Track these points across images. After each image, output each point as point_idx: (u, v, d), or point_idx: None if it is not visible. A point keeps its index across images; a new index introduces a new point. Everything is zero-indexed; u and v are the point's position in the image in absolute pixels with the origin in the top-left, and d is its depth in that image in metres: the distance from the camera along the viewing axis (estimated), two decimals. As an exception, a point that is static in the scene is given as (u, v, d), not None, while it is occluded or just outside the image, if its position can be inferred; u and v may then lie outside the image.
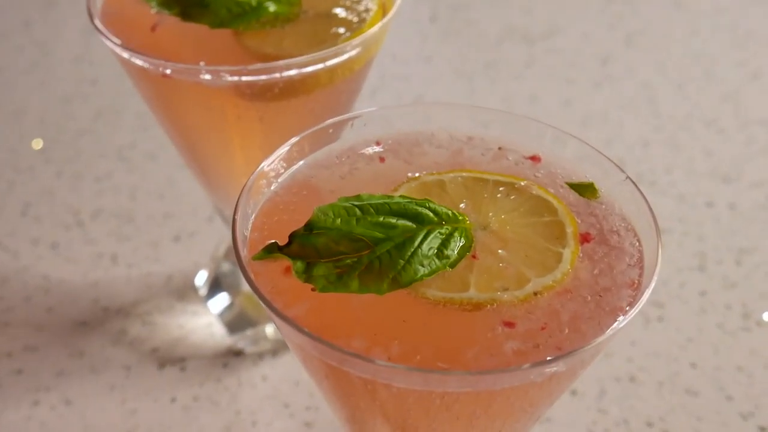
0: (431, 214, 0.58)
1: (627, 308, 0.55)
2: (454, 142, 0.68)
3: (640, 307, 0.53)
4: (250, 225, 0.61)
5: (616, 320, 0.54)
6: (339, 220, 0.57)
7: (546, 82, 1.44)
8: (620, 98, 1.40)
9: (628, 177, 0.61)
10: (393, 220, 0.58)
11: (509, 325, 0.54)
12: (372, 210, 0.58)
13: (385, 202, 0.58)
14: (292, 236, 0.57)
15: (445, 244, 0.58)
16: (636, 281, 0.57)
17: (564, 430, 0.93)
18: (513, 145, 0.67)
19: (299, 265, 0.57)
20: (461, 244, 0.58)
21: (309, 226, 0.57)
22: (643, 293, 0.55)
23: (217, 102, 0.75)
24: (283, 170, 0.64)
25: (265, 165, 0.63)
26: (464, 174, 0.64)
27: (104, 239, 1.16)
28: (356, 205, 0.58)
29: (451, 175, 0.64)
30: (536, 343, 0.53)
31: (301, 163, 0.66)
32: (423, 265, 0.56)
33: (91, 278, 1.11)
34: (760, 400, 0.96)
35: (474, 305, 0.55)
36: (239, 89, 0.74)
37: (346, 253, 0.57)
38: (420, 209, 0.58)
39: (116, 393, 0.97)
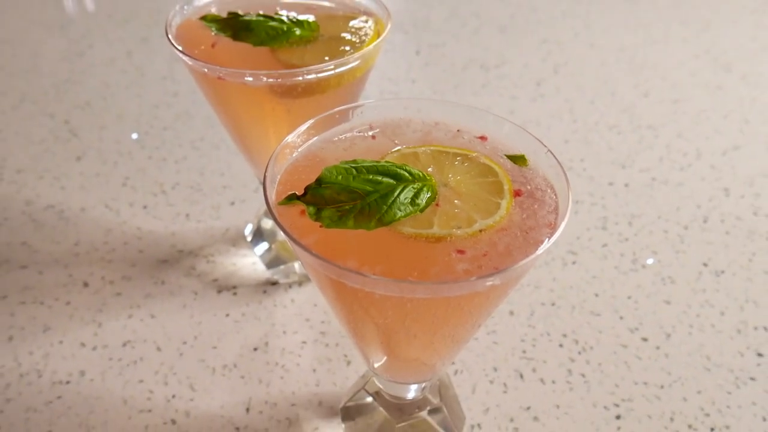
0: (407, 174, 0.57)
1: (546, 240, 0.54)
2: (426, 126, 0.66)
3: (554, 239, 0.52)
4: (276, 181, 0.59)
5: (536, 249, 0.53)
6: (340, 176, 0.56)
7: (497, 98, 1.42)
8: (549, 110, 1.38)
9: (549, 150, 0.59)
10: (379, 178, 0.56)
11: (461, 252, 0.53)
12: (364, 170, 0.56)
13: (374, 165, 0.56)
14: (307, 188, 0.56)
15: (416, 195, 0.56)
16: (553, 222, 0.55)
17: (504, 339, 0.92)
18: (467, 128, 0.65)
19: (311, 209, 0.55)
20: (428, 196, 0.56)
21: (319, 181, 0.56)
22: (557, 230, 0.53)
23: (256, 98, 0.73)
24: (301, 143, 0.63)
25: (289, 139, 0.61)
26: (432, 148, 0.63)
27: (181, 203, 1.15)
28: (353, 167, 0.56)
29: (423, 148, 0.63)
30: (479, 265, 0.51)
31: (315, 139, 0.64)
32: (400, 210, 0.55)
33: (171, 230, 1.09)
34: (643, 319, 0.94)
35: (436, 239, 0.54)
36: (273, 89, 0.72)
37: (345, 201, 0.55)
38: (399, 170, 0.57)
39: (187, 310, 0.96)
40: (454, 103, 0.66)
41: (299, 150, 0.63)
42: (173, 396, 0.85)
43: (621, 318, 0.94)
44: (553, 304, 0.97)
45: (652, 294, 0.98)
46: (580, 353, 0.90)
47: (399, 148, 0.63)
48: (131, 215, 1.12)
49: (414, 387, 0.71)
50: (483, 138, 0.65)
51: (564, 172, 0.57)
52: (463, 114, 0.66)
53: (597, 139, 1.30)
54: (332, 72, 0.72)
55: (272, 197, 0.57)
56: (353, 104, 0.65)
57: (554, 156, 0.59)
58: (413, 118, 0.67)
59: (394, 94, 1.42)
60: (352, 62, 0.73)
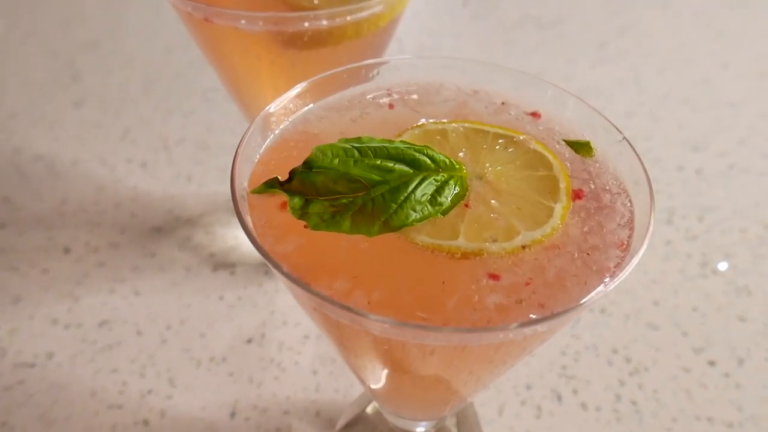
0: (428, 161, 0.42)
1: (614, 269, 0.38)
2: (461, 94, 0.51)
3: (629, 270, 0.36)
4: (256, 160, 0.45)
5: (602, 280, 0.37)
6: (337, 160, 0.41)
7: (551, 60, 1.24)
8: (611, 77, 1.20)
9: (624, 138, 0.43)
10: (390, 164, 0.41)
11: (494, 277, 0.38)
12: (370, 153, 0.41)
13: (384, 146, 0.42)
14: (292, 173, 0.41)
15: (439, 191, 0.41)
16: (625, 242, 0.40)
17: (540, 350, 0.77)
18: (516, 101, 0.50)
19: (297, 200, 0.41)
20: (455, 192, 0.42)
21: (308, 164, 0.41)
22: (633, 255, 0.38)
23: (253, 47, 0.59)
24: (295, 110, 0.48)
25: (276, 105, 0.46)
26: (466, 125, 0.47)
27: (183, 162, 1.01)
28: (355, 147, 0.41)
29: (454, 125, 0.47)
30: (519, 299, 0.37)
31: (313, 105, 0.49)
32: (415, 210, 0.40)
33: (170, 192, 0.96)
34: (711, 338, 0.78)
35: (462, 254, 0.39)
36: (274, 37, 0.57)
37: (343, 192, 0.41)
38: (418, 155, 0.42)
39: (176, 288, 0.83)
40: (498, 66, 0.50)
41: (291, 119, 0.48)
42: (149, 391, 0.73)
43: (684, 334, 0.79)
44: (602, 311, 0.81)
45: (723, 307, 0.82)
46: (631, 375, 0.75)
47: (423, 122, 0.48)
48: (127, 173, 0.99)
49: (424, 424, 0.57)
50: (535, 115, 0.49)
51: (645, 170, 0.41)
52: (510, 80, 0.50)
53: (665, 115, 1.12)
54: (348, 18, 0.57)
55: (243, 182, 0.42)
56: (366, 62, 0.50)
57: (632, 147, 0.43)
58: (445, 83, 0.51)
59: (435, 49, 1.25)
60: (373, 7, 0.57)
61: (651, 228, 0.37)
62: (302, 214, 0.40)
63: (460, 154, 0.45)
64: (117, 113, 1.10)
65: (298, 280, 0.34)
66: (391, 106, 0.50)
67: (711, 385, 0.74)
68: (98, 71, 1.20)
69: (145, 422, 0.71)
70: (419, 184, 0.41)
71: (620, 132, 0.44)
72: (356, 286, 0.37)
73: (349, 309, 0.33)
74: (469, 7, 1.40)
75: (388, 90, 0.51)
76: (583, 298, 0.36)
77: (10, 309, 0.81)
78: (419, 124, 0.47)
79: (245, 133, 0.42)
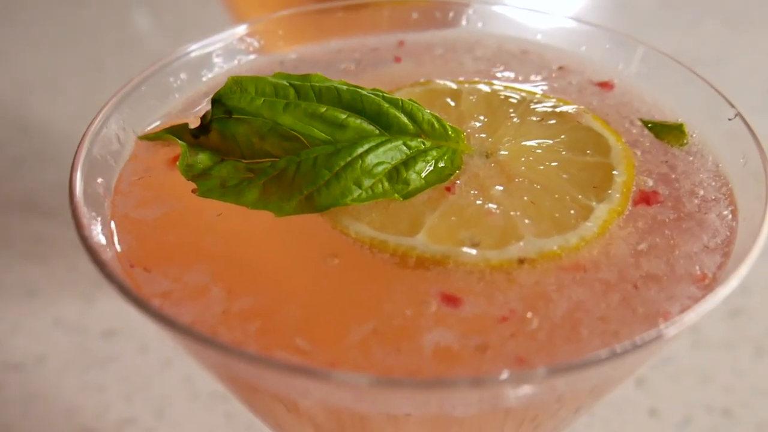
0: (404, 118, 0.27)
1: (678, 314, 0.21)
2: (502, 54, 0.35)
3: (703, 313, 0.19)
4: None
5: (650, 335, 0.20)
6: (261, 100, 0.27)
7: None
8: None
9: (738, 114, 0.26)
10: (342, 116, 0.27)
11: (451, 300, 0.22)
12: (312, 95, 0.27)
13: (334, 87, 0.27)
14: (205, 119, 0.28)
15: (408, 163, 0.26)
16: (710, 274, 0.22)
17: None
18: (580, 66, 0.34)
19: (203, 158, 0.27)
20: (437, 168, 0.26)
21: (221, 104, 0.27)
22: (717, 294, 0.20)
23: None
24: (260, 50, 0.34)
25: (232, 33, 0.33)
26: (493, 86, 0.32)
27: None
28: (292, 85, 0.27)
29: (474, 86, 0.32)
30: (483, 343, 0.20)
31: (303, 48, 0.36)
32: (359, 185, 0.25)
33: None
34: None
35: (416, 259, 0.23)
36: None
37: (271, 154, 0.27)
38: (388, 108, 0.27)
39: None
40: (567, 18, 0.34)
41: (248, 58, 0.34)
42: (130, 420, 0.62)
43: None
44: (726, 413, 0.59)
45: None
46: None
47: (434, 82, 0.33)
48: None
49: None
50: (605, 85, 0.33)
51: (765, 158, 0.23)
52: (578, 37, 0.34)
53: None
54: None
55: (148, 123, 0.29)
56: (368, -3, 0.36)
57: (749, 128, 0.26)
58: (481, 39, 0.36)
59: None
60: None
61: (756, 251, 0.20)
62: (198, 174, 0.27)
63: (474, 123, 0.30)
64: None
65: (129, 291, 0.20)
66: (397, 59, 0.35)
67: None
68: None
69: (113, 457, 0.59)
70: (375, 147, 0.26)
71: (733, 106, 0.26)
72: (232, 292, 0.22)
73: (207, 340, 0.19)
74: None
75: (400, 41, 0.36)
76: (607, 356, 0.19)
77: (21, 302, 0.74)
78: (424, 81, 0.32)
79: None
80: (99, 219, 0.24)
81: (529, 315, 0.21)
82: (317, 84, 0.27)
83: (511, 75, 0.33)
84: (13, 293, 0.76)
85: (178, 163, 0.27)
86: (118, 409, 0.64)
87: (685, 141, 0.28)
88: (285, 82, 0.27)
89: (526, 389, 0.19)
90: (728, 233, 0.24)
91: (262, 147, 0.27)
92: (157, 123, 0.30)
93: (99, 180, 0.26)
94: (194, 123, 0.29)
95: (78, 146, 0.25)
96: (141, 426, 0.62)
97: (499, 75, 0.33)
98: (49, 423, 0.62)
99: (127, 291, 0.20)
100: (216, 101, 0.27)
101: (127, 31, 1.08)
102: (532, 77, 0.34)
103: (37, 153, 0.94)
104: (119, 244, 0.24)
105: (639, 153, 0.28)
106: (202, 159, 0.28)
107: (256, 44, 0.34)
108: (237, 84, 0.27)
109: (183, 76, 0.32)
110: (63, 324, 0.72)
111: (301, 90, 0.27)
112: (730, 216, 0.24)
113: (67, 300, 0.74)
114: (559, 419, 0.25)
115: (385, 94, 0.27)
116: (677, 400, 0.61)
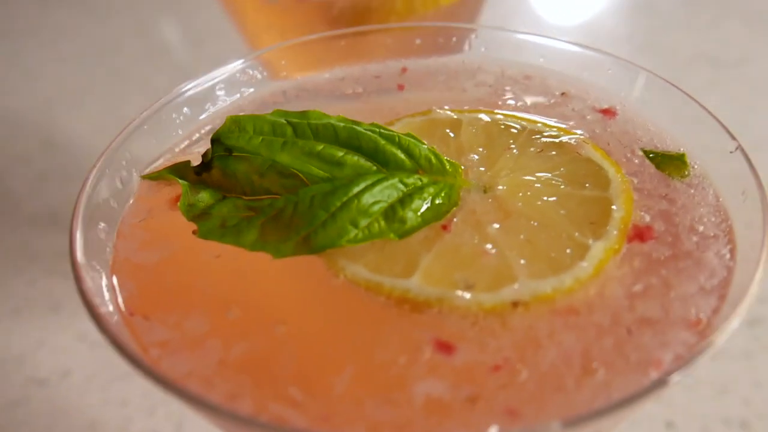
0: (402, 155, 0.27)
1: (671, 363, 0.21)
2: (504, 80, 0.35)
3: (693, 367, 0.19)
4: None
5: (642, 385, 0.20)
6: (259, 139, 0.27)
7: (725, 105, 1.02)
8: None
9: (739, 147, 0.26)
10: (339, 154, 0.27)
11: (444, 348, 0.22)
12: (309, 132, 0.27)
13: (331, 124, 0.27)
14: (207, 156, 0.28)
15: (405, 201, 0.26)
16: (705, 318, 0.22)
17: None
18: (583, 93, 0.33)
19: (204, 196, 0.28)
20: (435, 205, 0.26)
21: (220, 143, 0.28)
22: (711, 341, 0.20)
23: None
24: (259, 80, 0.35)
25: (229, 69, 0.33)
26: (494, 116, 0.32)
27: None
28: (289, 123, 0.27)
29: (475, 115, 0.32)
30: (473, 394, 0.20)
31: (295, 80, 0.36)
32: (355, 225, 0.25)
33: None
34: None
35: (411, 303, 0.23)
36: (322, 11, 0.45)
37: (271, 191, 0.27)
38: (385, 145, 0.27)
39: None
40: (567, 42, 0.34)
41: (250, 91, 0.35)
42: (152, 433, 0.63)
43: None
44: (743, 425, 0.58)
45: None
46: None
47: (435, 111, 0.33)
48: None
49: None
50: (608, 112, 0.32)
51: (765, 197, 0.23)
52: (579, 62, 0.34)
53: None
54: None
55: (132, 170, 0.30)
56: (367, 27, 0.36)
57: (749, 162, 0.25)
58: (483, 64, 0.36)
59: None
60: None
61: (751, 294, 0.19)
62: (199, 215, 0.27)
63: (473, 155, 0.30)
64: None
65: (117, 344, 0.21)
66: (400, 87, 0.35)
67: None
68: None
69: (135, 470, 0.60)
70: (371, 186, 0.26)
71: (734, 138, 0.26)
72: (215, 335, 0.22)
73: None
74: (633, 42, 1.20)
75: (403, 68, 0.36)
76: (599, 408, 0.19)
77: (46, 317, 0.75)
78: (425, 111, 0.32)
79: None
80: (100, 267, 0.24)
81: (521, 364, 0.21)
82: (314, 121, 0.28)
83: (513, 102, 0.33)
84: (37, 308, 0.77)
85: (179, 203, 0.27)
86: (139, 423, 0.64)
87: (686, 172, 0.28)
88: (282, 120, 0.28)
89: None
90: (725, 273, 0.23)
91: (262, 184, 0.28)
92: (160, 161, 0.30)
93: (101, 225, 0.26)
94: (196, 160, 0.29)
95: (78, 195, 0.26)
96: (162, 439, 0.62)
97: (500, 102, 0.33)
98: (72, 438, 0.63)
99: (121, 347, 0.21)
100: (215, 141, 0.28)
101: (151, 44, 1.09)
102: (535, 104, 0.33)
103: (60, 168, 0.95)
104: (120, 291, 0.25)
105: (639, 185, 0.28)
106: (204, 197, 0.28)
107: (258, 76, 0.34)
108: (235, 123, 0.28)
109: (186, 110, 0.32)
110: (86, 338, 0.73)
111: (299, 128, 0.27)
112: (728, 255, 0.24)
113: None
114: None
115: (382, 130, 0.28)
116: (694, 412, 0.60)
